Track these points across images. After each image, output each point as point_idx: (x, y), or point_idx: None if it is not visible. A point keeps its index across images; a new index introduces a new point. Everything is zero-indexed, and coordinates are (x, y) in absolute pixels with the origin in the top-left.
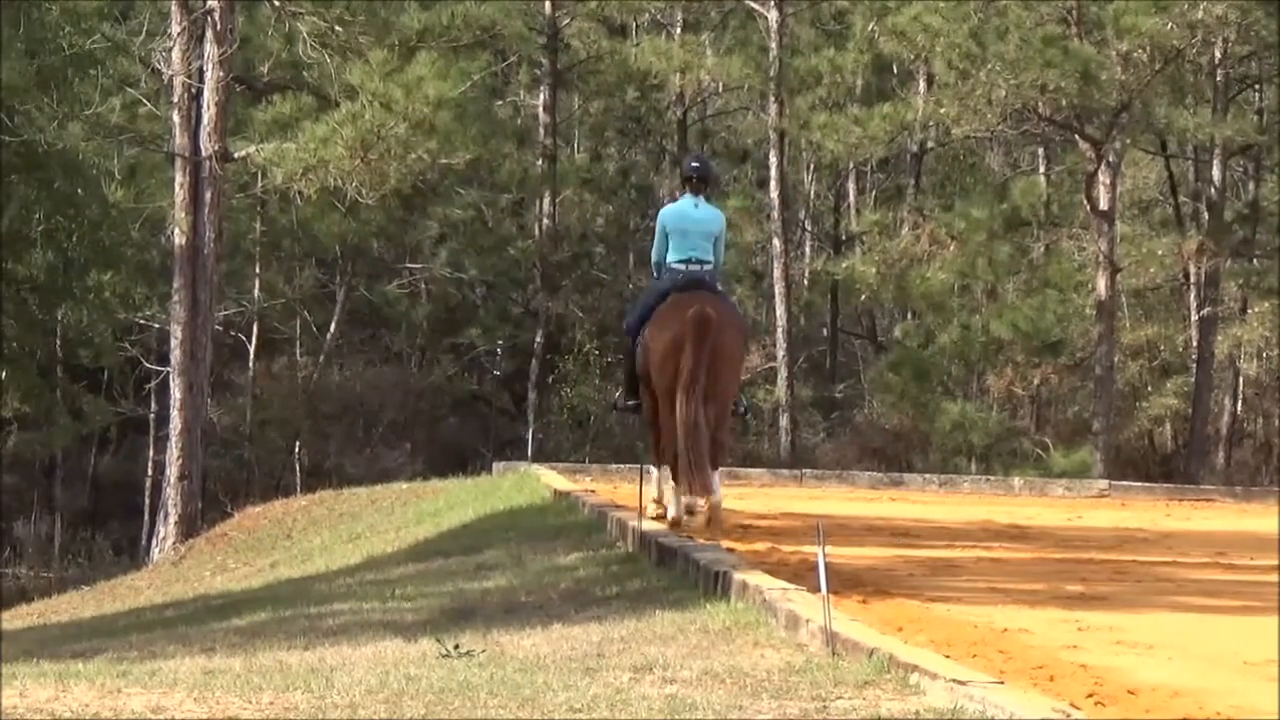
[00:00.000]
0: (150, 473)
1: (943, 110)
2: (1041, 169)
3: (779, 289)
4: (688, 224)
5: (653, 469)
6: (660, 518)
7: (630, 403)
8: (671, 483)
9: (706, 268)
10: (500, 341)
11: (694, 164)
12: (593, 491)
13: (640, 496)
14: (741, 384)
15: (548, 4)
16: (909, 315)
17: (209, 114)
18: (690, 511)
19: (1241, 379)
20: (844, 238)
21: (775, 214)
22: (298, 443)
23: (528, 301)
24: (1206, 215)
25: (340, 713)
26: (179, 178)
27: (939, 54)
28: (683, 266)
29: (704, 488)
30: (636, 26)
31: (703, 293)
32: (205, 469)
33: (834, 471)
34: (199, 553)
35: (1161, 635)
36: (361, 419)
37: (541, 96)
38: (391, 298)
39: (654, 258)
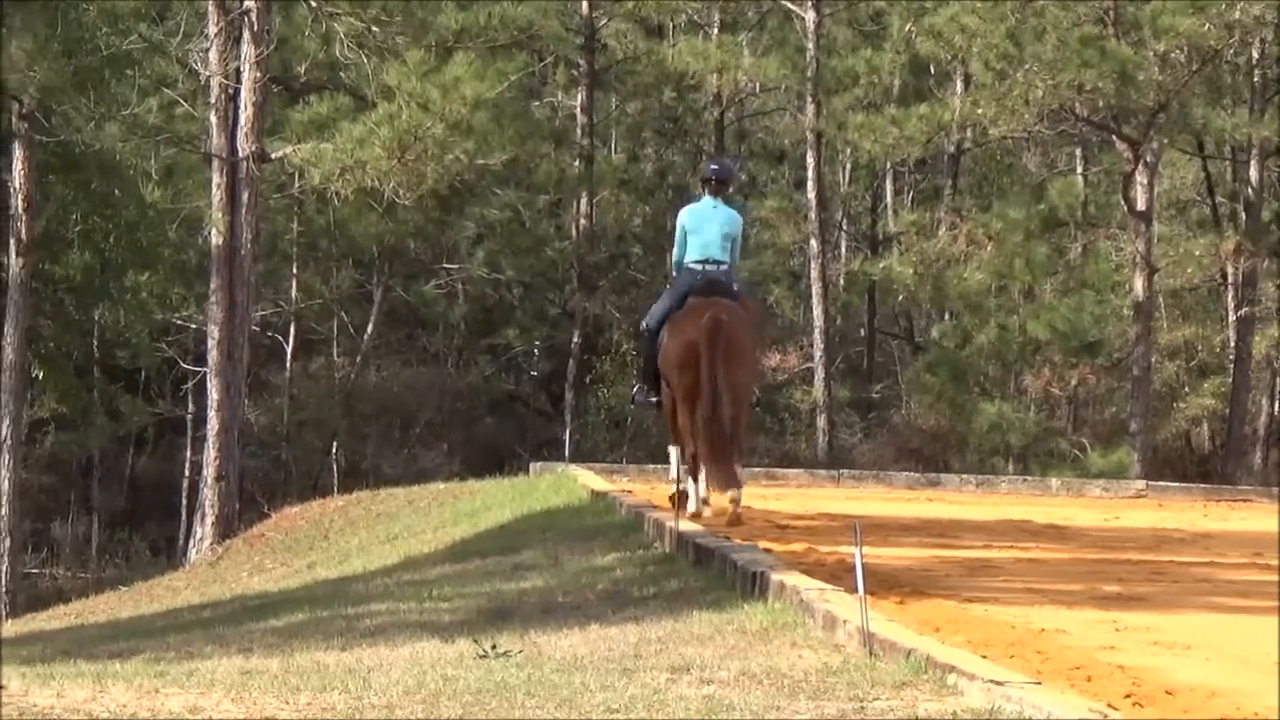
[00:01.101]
0: (187, 473)
1: (980, 111)
2: (1079, 169)
3: (816, 289)
4: (706, 225)
5: (671, 450)
6: (681, 495)
7: (652, 399)
8: (690, 476)
9: (723, 268)
10: (537, 342)
11: (713, 166)
12: (630, 492)
13: (676, 498)
14: (759, 380)
15: (585, 4)
16: (946, 316)
17: (246, 114)
18: (706, 503)
19: (1279, 379)
20: (881, 238)
21: (812, 215)
22: (335, 443)
23: (565, 302)
24: (1244, 215)
25: (377, 713)
26: (216, 178)
27: (976, 54)
28: (700, 267)
29: (724, 482)
30: (673, 27)
31: (718, 297)
32: (242, 469)
33: (871, 472)
34: (236, 553)
35: (1199, 636)
36: (398, 419)
37: (579, 97)
38: (429, 298)
39: (674, 257)
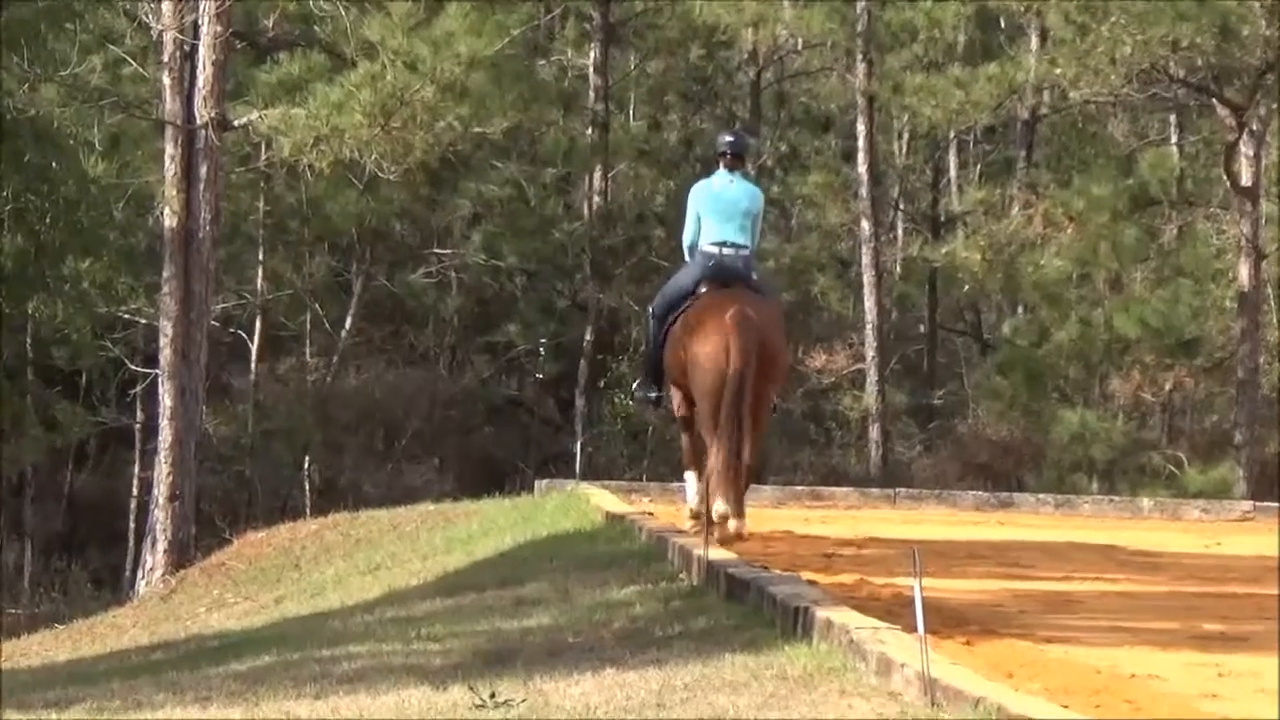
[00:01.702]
0: (136, 492)
1: (1058, 71)
2: (1174, 139)
3: (868, 278)
4: (722, 203)
5: (689, 475)
6: (699, 532)
7: (652, 395)
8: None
9: (743, 252)
10: (543, 339)
11: (727, 138)
12: (651, 514)
13: (706, 519)
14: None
15: None
16: (1020, 309)
17: (204, 75)
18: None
19: None
20: (943, 219)
21: (864, 191)
22: (307, 457)
23: (575, 293)
24: None
25: None
26: (170, 149)
27: (1054, 5)
28: (716, 250)
29: (729, 506)
30: None
31: (738, 289)
32: (200, 488)
33: (932, 491)
34: (192, 585)
35: None
36: (382, 429)
37: (591, 55)
38: (417, 288)
39: (686, 240)
